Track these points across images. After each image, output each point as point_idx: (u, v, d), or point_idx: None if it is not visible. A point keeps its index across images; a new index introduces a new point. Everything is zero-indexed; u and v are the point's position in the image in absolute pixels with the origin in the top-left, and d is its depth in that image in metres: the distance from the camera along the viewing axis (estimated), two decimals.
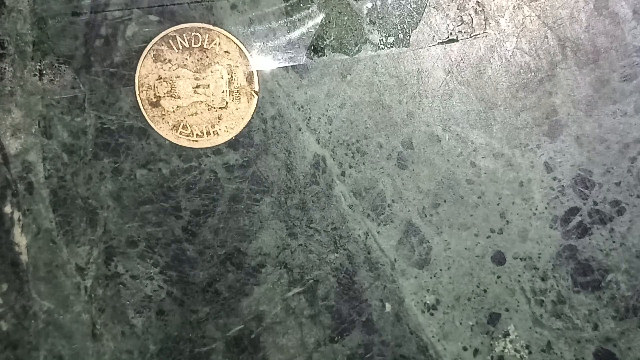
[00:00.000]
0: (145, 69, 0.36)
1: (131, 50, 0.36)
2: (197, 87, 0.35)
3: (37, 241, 0.37)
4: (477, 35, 0.34)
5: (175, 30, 0.35)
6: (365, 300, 0.36)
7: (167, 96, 0.36)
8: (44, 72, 0.36)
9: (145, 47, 0.35)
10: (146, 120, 0.36)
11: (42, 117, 0.37)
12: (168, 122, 0.36)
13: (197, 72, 0.35)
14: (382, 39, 0.35)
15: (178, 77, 0.35)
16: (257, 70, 0.35)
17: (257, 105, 0.35)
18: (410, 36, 0.35)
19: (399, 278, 0.36)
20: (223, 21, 0.35)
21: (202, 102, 0.35)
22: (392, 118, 0.35)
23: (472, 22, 0.34)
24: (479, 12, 0.34)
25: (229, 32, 0.35)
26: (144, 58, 0.36)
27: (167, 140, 0.36)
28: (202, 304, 0.37)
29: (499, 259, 0.35)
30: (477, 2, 0.34)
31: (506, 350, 0.36)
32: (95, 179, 0.37)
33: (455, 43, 0.34)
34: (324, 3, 0.35)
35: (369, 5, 0.34)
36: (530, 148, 0.34)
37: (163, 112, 0.36)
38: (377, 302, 0.36)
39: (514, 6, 0.34)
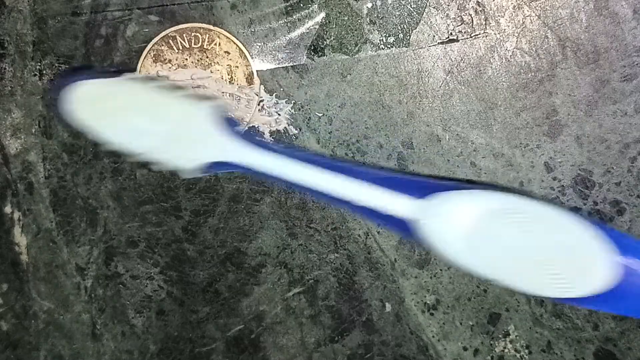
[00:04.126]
0: (145, 69, 0.36)
1: (131, 50, 0.36)
2: (197, 87, 0.35)
3: (37, 241, 0.37)
4: (477, 35, 0.34)
5: (175, 30, 0.35)
6: (365, 300, 0.37)
7: None
8: (44, 72, 0.36)
9: (145, 47, 0.35)
10: None
11: (42, 117, 0.37)
12: None
13: (197, 73, 0.35)
14: (382, 39, 0.35)
15: (178, 77, 0.35)
16: (257, 70, 0.35)
17: (257, 105, 0.35)
18: (410, 36, 0.35)
19: (399, 278, 0.36)
20: (223, 21, 0.35)
21: None
22: (392, 118, 0.35)
23: (472, 22, 0.34)
24: (479, 12, 0.34)
25: (229, 32, 0.35)
26: (144, 58, 0.36)
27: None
28: (202, 304, 0.37)
29: None
30: (477, 2, 0.34)
31: (506, 350, 0.36)
32: (95, 179, 0.37)
33: (455, 43, 0.34)
34: (324, 3, 0.35)
35: (369, 5, 0.34)
36: (530, 148, 0.34)
37: None
38: (377, 302, 0.36)
39: (514, 6, 0.34)
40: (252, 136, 0.34)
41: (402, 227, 0.31)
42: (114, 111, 0.32)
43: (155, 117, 0.32)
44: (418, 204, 0.31)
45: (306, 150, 0.35)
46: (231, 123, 0.33)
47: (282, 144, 0.35)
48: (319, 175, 0.32)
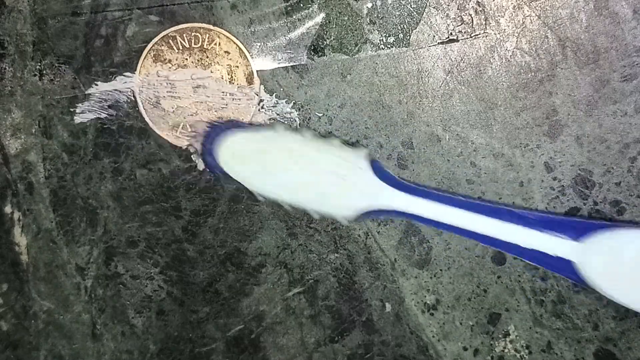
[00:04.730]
0: (145, 69, 0.36)
1: (131, 50, 0.36)
2: (197, 87, 0.35)
3: (37, 241, 0.37)
4: (477, 35, 0.34)
5: (175, 30, 0.35)
6: (365, 300, 0.36)
7: (167, 96, 0.36)
8: (44, 72, 0.36)
9: (145, 47, 0.35)
10: (146, 121, 0.36)
11: (42, 117, 0.37)
12: (168, 122, 0.36)
13: (197, 73, 0.35)
14: (382, 39, 0.35)
15: (178, 77, 0.35)
16: (257, 70, 0.35)
17: (257, 105, 0.35)
18: (410, 36, 0.35)
19: (399, 278, 0.36)
20: (223, 21, 0.35)
21: (202, 102, 0.35)
22: (392, 118, 0.35)
23: (472, 22, 0.34)
24: (479, 12, 0.34)
25: (229, 32, 0.35)
26: (144, 58, 0.36)
27: (168, 140, 0.36)
28: (202, 304, 0.37)
29: (499, 259, 0.35)
30: (477, 2, 0.34)
31: (506, 350, 0.36)
32: (95, 179, 0.37)
33: (455, 43, 0.34)
34: (324, 3, 0.35)
35: (369, 5, 0.34)
36: (530, 148, 0.34)
37: (163, 112, 0.36)
38: (377, 302, 0.36)
39: (514, 6, 0.34)
40: (404, 182, 0.34)
41: (564, 268, 0.32)
42: (266, 163, 0.32)
43: (309, 167, 0.32)
44: (577, 245, 0.32)
45: (456, 194, 0.35)
46: (379, 168, 0.34)
47: (433, 188, 0.35)
48: (476, 219, 0.33)
